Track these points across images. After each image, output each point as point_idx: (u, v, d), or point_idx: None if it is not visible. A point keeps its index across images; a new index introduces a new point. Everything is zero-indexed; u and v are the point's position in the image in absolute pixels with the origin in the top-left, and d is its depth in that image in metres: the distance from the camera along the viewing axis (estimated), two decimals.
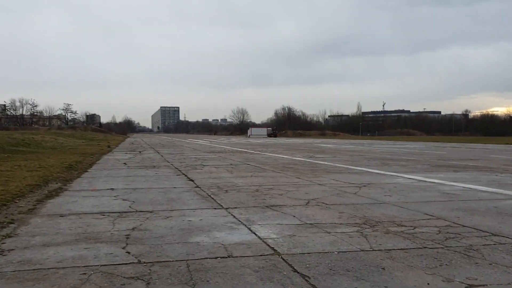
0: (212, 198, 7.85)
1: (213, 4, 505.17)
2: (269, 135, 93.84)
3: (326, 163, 16.64)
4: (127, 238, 4.88)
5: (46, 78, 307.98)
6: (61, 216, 6.08)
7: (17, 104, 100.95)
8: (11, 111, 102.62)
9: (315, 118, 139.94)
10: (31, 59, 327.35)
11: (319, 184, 10.09)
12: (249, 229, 5.40)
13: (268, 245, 4.61)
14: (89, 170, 13.58)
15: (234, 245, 4.61)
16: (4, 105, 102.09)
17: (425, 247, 4.54)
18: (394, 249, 4.46)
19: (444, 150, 28.12)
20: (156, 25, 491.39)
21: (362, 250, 4.42)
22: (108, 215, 6.18)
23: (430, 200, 7.65)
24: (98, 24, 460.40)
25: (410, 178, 11.14)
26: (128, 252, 4.31)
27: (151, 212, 6.49)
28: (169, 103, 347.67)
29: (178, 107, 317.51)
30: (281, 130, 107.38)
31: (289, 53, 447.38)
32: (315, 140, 57.80)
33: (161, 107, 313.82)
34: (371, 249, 4.46)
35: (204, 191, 8.75)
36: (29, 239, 4.77)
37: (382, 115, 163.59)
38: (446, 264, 3.99)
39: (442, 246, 4.58)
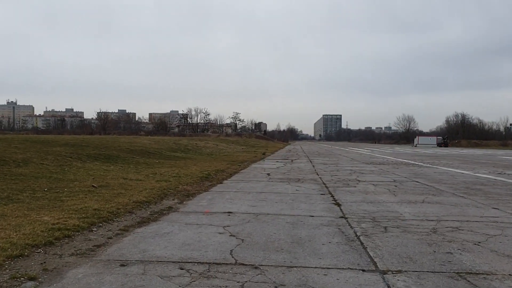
0: (362, 244, 5.00)
1: (374, 10, 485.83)
2: (439, 145, 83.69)
3: None
4: None
5: (217, 89, 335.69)
6: (121, 266, 4.00)
7: (193, 113, 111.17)
8: (188, 119, 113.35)
9: (494, 127, 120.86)
10: (206, 72, 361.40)
11: None
12: None
13: None
14: (224, 181, 11.91)
15: None
16: (186, 114, 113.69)
17: None
18: None
19: None
20: (316, 34, 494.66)
21: None
22: (188, 270, 3.89)
23: None
24: (262, 36, 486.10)
25: None
26: None
27: (256, 268, 4.01)
28: (331, 111, 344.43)
29: (340, 115, 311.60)
30: (453, 139, 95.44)
31: (457, 57, 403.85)
32: (497, 152, 48.49)
33: (323, 115, 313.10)
34: None
35: (352, 227, 5.94)
36: None
37: None
38: None
39: None
